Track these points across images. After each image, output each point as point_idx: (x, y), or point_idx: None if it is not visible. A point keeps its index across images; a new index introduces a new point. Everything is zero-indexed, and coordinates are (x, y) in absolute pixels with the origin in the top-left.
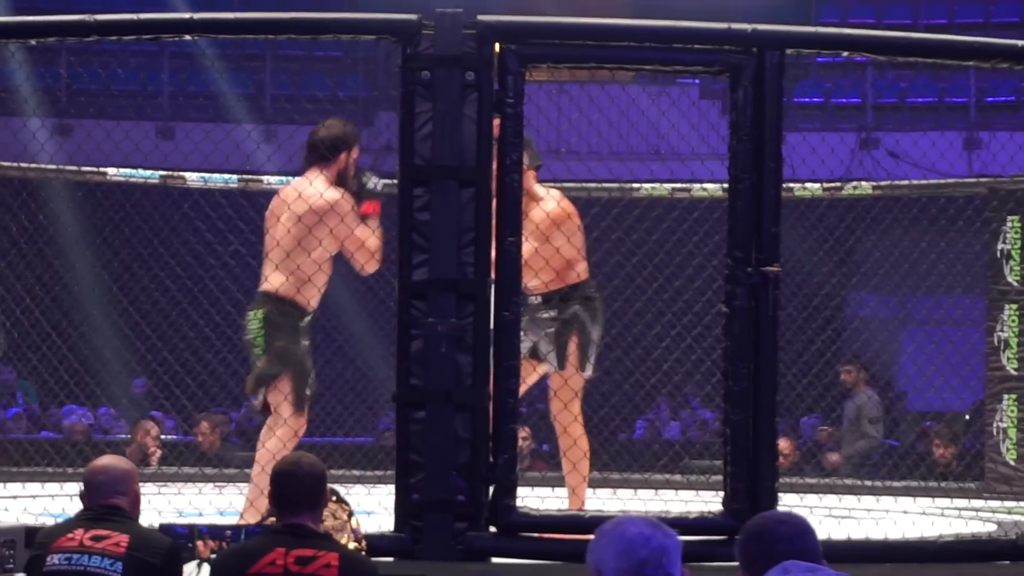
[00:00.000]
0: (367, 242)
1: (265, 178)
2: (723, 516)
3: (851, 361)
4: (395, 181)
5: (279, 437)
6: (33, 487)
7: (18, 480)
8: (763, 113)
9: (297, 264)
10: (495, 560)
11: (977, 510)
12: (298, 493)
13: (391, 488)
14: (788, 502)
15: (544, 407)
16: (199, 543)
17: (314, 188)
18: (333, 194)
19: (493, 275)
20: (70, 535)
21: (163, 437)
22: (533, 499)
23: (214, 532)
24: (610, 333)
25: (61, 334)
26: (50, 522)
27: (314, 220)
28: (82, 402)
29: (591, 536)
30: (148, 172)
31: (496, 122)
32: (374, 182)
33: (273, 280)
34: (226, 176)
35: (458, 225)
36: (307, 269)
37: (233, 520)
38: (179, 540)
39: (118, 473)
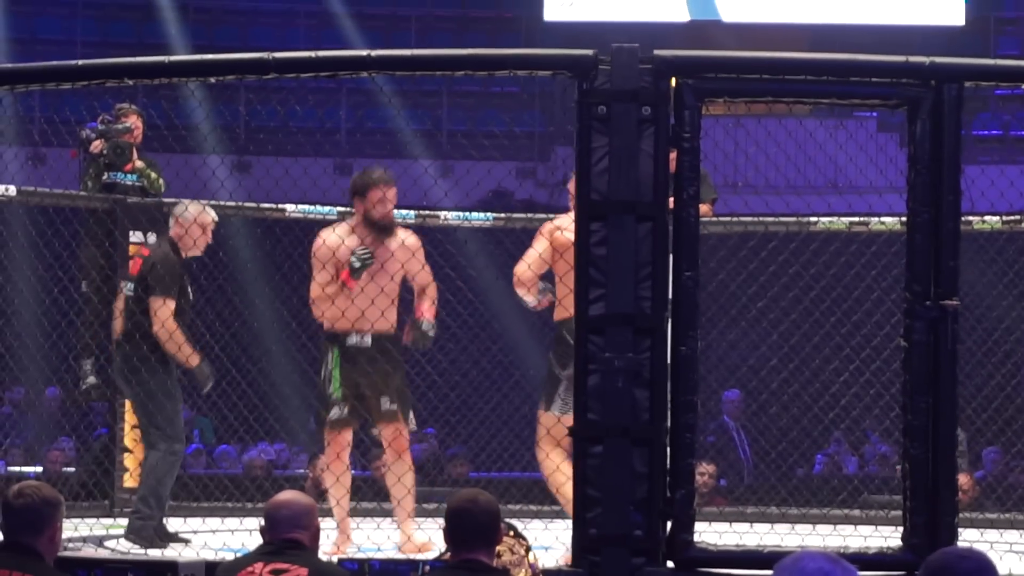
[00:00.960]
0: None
1: (442, 214)
2: (902, 551)
3: None
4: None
5: None
6: (213, 522)
7: (198, 515)
8: (941, 146)
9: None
10: None
11: None
12: (474, 529)
13: (568, 523)
14: (968, 537)
15: (712, 440)
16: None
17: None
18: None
19: None
20: (250, 568)
21: None
22: (710, 534)
23: (387, 567)
24: (787, 367)
25: (240, 370)
26: (230, 557)
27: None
28: (259, 438)
29: (770, 571)
30: (326, 208)
31: (673, 156)
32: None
33: None
34: (403, 212)
35: (635, 260)
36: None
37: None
38: None
39: (299, 508)
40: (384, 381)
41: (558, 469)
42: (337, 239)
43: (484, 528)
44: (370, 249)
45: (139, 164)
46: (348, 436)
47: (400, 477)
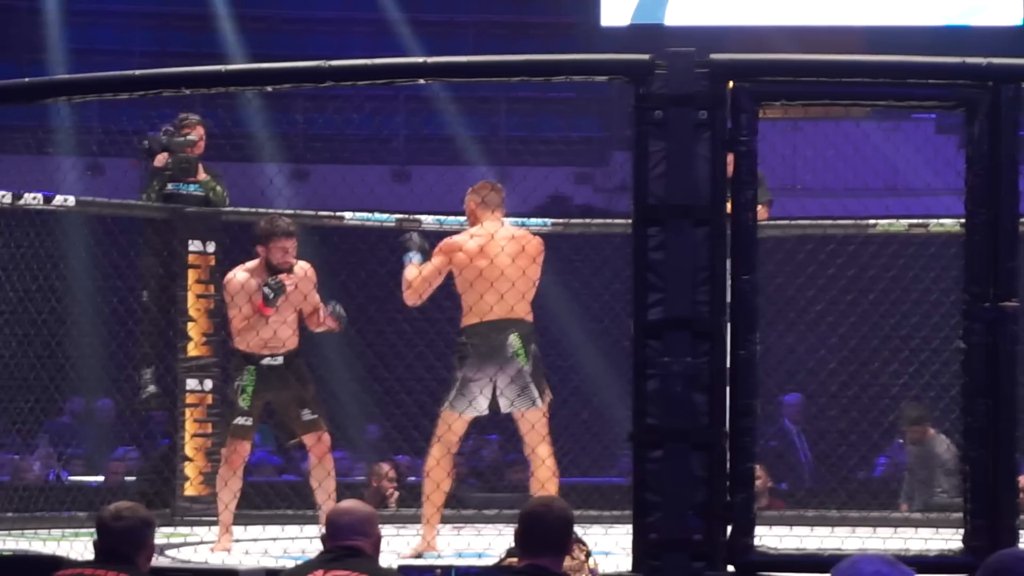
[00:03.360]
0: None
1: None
2: (963, 554)
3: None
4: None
5: None
6: (273, 530)
7: (258, 523)
8: (999, 147)
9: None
10: None
11: None
12: (545, 536)
13: (628, 528)
14: None
15: (774, 444)
16: None
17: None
18: (232, 275)
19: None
20: (310, 575)
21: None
22: (771, 538)
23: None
24: (847, 370)
25: None
26: (290, 564)
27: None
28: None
29: (828, 575)
30: (383, 215)
31: (729, 160)
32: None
33: None
34: (460, 218)
35: (692, 264)
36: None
37: (472, 561)
38: None
39: (361, 515)
40: (300, 395)
41: (437, 464)
42: (245, 275)
43: (555, 535)
44: (279, 279)
45: (203, 176)
46: (248, 446)
47: (321, 482)
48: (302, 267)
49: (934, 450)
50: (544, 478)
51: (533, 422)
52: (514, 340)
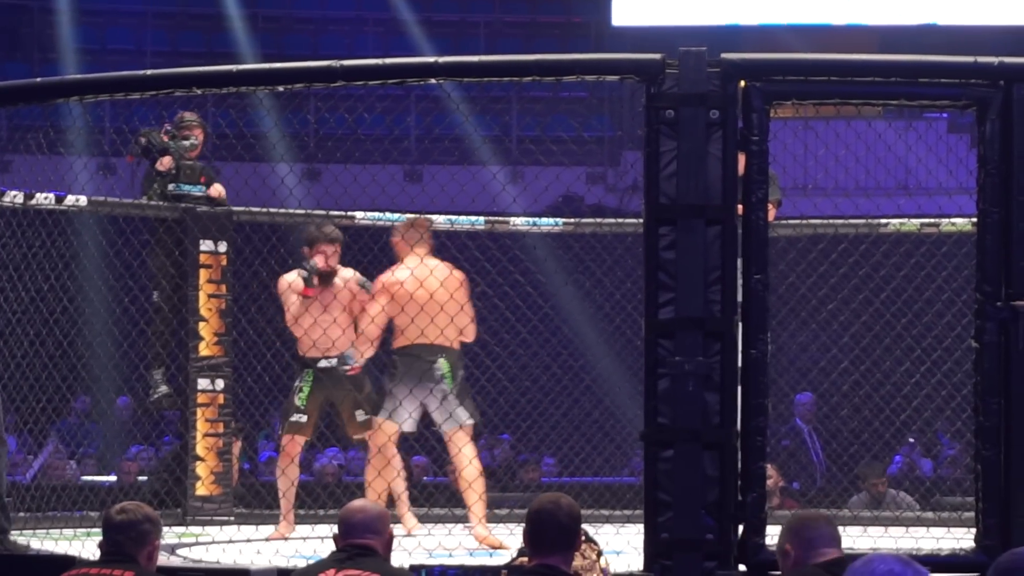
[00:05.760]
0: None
1: (511, 219)
2: (975, 553)
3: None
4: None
5: None
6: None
7: (270, 523)
8: (1011, 146)
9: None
10: None
11: None
12: (554, 533)
13: (640, 527)
14: None
15: (786, 443)
16: None
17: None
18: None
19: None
20: (323, 574)
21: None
22: None
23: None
24: (858, 370)
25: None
26: (302, 563)
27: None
28: (330, 444)
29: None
30: (395, 215)
31: (741, 159)
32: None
33: None
34: (472, 218)
35: (704, 263)
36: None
37: (483, 560)
38: None
39: (373, 513)
40: (354, 396)
41: (379, 475)
42: (291, 274)
43: (564, 531)
44: (313, 262)
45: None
46: (302, 441)
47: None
48: (345, 275)
49: (897, 501)
50: (471, 501)
51: (460, 445)
52: (442, 364)
